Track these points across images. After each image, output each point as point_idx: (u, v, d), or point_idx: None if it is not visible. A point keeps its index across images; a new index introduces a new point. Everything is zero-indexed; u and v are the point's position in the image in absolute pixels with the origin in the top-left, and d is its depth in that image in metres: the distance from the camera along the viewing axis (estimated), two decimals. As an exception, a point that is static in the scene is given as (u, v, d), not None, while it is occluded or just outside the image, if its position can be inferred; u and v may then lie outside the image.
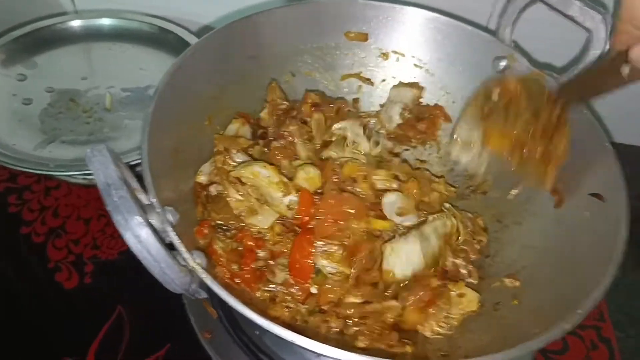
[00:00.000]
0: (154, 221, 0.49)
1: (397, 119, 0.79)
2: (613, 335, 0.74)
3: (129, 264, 0.73)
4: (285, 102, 0.76)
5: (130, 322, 0.70)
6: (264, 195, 0.64)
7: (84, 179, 0.80)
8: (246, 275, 0.59)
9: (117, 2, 0.98)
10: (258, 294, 0.60)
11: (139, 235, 0.42)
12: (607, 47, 0.65)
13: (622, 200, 0.58)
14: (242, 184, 0.64)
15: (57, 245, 0.77)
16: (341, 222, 0.62)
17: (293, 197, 0.64)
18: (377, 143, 0.77)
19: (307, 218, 0.63)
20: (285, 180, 0.65)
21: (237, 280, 0.58)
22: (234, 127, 0.72)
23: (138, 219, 0.42)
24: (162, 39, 0.93)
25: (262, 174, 0.64)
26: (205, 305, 0.69)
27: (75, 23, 0.95)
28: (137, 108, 0.85)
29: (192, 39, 0.90)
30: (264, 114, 0.76)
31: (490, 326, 0.58)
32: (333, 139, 0.73)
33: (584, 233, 0.61)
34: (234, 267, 0.59)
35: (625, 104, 0.91)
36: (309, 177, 0.66)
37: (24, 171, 0.73)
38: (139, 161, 0.69)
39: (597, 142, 0.63)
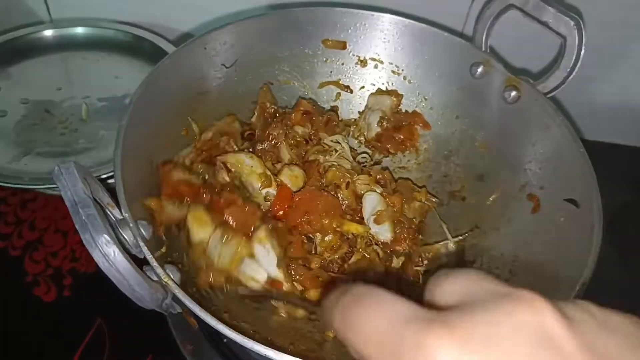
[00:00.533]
0: (127, 236, 0.49)
1: (375, 128, 0.79)
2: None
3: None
4: (274, 106, 0.76)
5: (111, 334, 0.69)
6: (244, 183, 0.65)
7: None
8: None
9: (93, 10, 0.97)
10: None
11: (107, 254, 0.42)
12: (582, 52, 0.65)
13: (596, 207, 0.58)
14: (228, 170, 0.66)
15: (35, 259, 0.76)
16: (311, 217, 0.63)
17: (271, 190, 0.65)
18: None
19: (281, 212, 0.64)
20: (269, 173, 0.66)
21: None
22: (225, 121, 0.73)
23: (106, 237, 0.42)
24: (137, 47, 0.92)
25: (246, 163, 0.66)
26: (186, 316, 0.68)
27: (49, 33, 0.94)
28: (113, 118, 0.84)
29: (169, 47, 0.89)
30: (254, 119, 0.76)
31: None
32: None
33: (560, 238, 0.61)
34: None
35: (594, 102, 0.93)
36: (293, 174, 0.67)
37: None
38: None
39: (573, 148, 0.64)
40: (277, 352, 0.45)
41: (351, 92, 0.81)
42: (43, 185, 0.72)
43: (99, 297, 0.73)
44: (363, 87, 0.81)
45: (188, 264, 0.59)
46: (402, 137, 0.78)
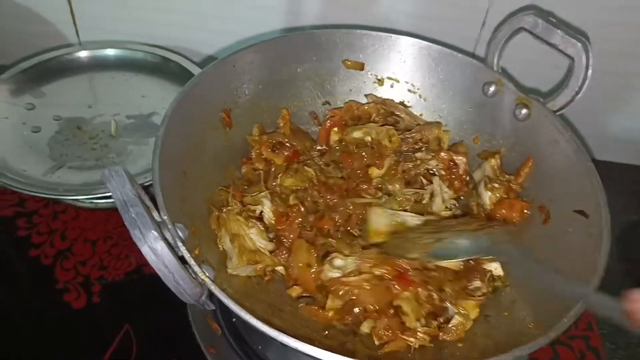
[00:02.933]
0: (167, 236, 0.52)
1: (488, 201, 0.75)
2: (601, 344, 0.77)
3: (136, 283, 0.78)
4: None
5: (138, 339, 0.72)
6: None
7: (91, 202, 0.83)
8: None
9: (121, 34, 1.02)
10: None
11: (155, 249, 0.45)
12: (589, 72, 0.69)
13: (604, 217, 0.61)
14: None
15: (65, 267, 0.79)
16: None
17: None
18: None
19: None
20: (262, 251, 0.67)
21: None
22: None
23: (154, 233, 0.45)
24: (164, 68, 0.97)
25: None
26: (209, 321, 0.71)
27: (81, 54, 0.99)
28: (141, 134, 0.88)
29: (194, 68, 0.94)
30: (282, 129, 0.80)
31: (485, 335, 0.61)
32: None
33: (569, 248, 0.64)
34: None
35: (604, 124, 0.96)
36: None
37: (34, 195, 0.76)
38: (146, 184, 0.72)
39: (582, 162, 0.67)
40: (308, 346, 0.48)
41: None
42: (76, 196, 0.76)
43: (126, 303, 0.77)
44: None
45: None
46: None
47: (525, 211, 0.72)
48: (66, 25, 1.03)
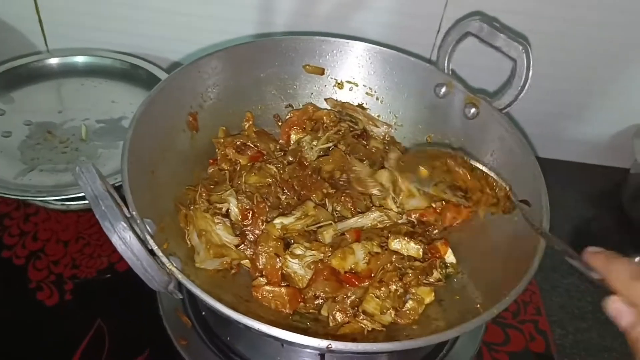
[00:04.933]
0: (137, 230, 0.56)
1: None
2: (548, 327, 0.83)
3: (107, 281, 0.81)
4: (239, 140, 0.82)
5: (110, 333, 0.75)
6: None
7: (62, 204, 0.85)
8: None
9: (89, 41, 1.05)
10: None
11: (125, 238, 0.49)
12: (530, 72, 0.75)
13: (544, 205, 0.66)
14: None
15: (37, 267, 0.81)
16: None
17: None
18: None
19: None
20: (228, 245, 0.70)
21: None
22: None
23: (123, 224, 0.49)
24: (133, 74, 1.00)
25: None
26: (179, 315, 0.75)
27: (50, 61, 1.02)
28: (111, 138, 0.91)
29: (162, 74, 0.97)
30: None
31: (437, 318, 0.66)
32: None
33: (515, 236, 0.69)
34: None
35: (546, 124, 1.02)
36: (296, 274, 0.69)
37: (6, 197, 0.78)
38: (117, 184, 0.75)
39: (525, 155, 0.72)
40: (272, 328, 0.51)
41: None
42: (48, 196, 0.79)
43: (98, 299, 0.79)
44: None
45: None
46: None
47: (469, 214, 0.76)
48: (34, 34, 1.05)
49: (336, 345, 0.50)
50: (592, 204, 1.09)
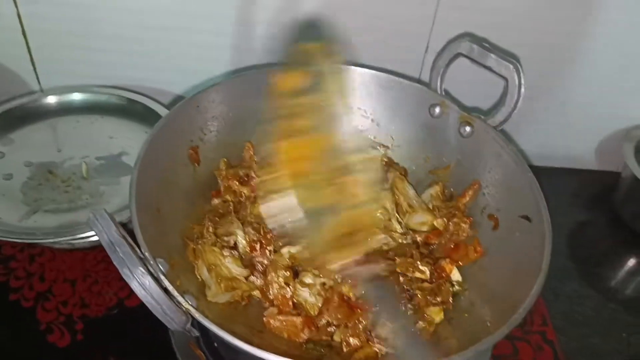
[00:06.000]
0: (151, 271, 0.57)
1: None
2: (555, 337, 0.84)
3: (118, 317, 0.81)
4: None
5: (124, 372, 0.75)
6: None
7: (68, 243, 0.86)
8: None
9: (83, 77, 1.05)
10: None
11: (144, 284, 0.50)
12: (522, 90, 0.77)
13: (545, 220, 0.68)
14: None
15: (46, 308, 0.82)
16: None
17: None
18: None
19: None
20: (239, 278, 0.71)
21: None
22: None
23: (141, 269, 0.50)
24: (129, 109, 1.01)
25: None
26: (192, 348, 0.75)
27: (46, 100, 1.02)
28: (111, 174, 0.92)
29: (160, 108, 0.98)
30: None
31: (448, 337, 0.67)
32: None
33: (517, 250, 0.71)
34: None
35: (535, 133, 1.04)
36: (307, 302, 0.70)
37: (13, 242, 0.79)
38: (124, 221, 0.76)
39: (522, 172, 0.74)
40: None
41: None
42: (55, 238, 0.79)
43: (110, 338, 0.80)
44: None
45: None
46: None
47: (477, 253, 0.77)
48: (27, 72, 1.05)
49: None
50: (585, 208, 1.11)
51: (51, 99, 1.03)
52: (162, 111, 0.97)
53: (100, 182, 0.91)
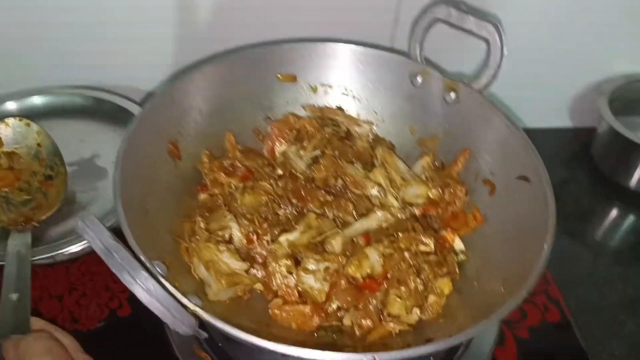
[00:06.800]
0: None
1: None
2: (560, 296, 0.84)
3: (112, 329, 0.77)
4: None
5: (124, 384, 0.72)
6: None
7: (49, 258, 0.81)
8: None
9: (43, 80, 0.99)
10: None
11: (149, 288, 0.46)
12: (505, 50, 0.75)
13: (545, 180, 0.67)
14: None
15: (35, 328, 0.77)
16: None
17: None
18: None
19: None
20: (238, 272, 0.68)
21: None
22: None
23: (144, 273, 0.46)
24: (98, 109, 0.96)
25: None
26: (197, 351, 0.72)
27: (5, 107, 0.96)
28: (87, 180, 0.87)
29: (131, 106, 0.93)
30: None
31: (461, 308, 0.66)
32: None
33: (519, 213, 0.69)
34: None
35: (511, 95, 1.04)
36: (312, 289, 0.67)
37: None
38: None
39: (514, 133, 0.73)
40: (300, 349, 0.50)
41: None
42: (37, 256, 0.74)
43: (107, 351, 0.75)
44: (319, 109, 0.89)
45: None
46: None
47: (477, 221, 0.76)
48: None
49: (381, 356, 0.49)
50: (565, 167, 1.11)
51: (10, 105, 0.97)
52: (134, 108, 0.92)
53: (76, 189, 0.86)
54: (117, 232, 0.55)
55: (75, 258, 0.82)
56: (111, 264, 0.46)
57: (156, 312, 0.48)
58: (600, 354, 0.79)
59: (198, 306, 0.53)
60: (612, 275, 0.90)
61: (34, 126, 0.83)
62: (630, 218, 1.02)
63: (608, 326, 0.83)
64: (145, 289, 0.46)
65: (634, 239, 0.97)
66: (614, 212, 1.03)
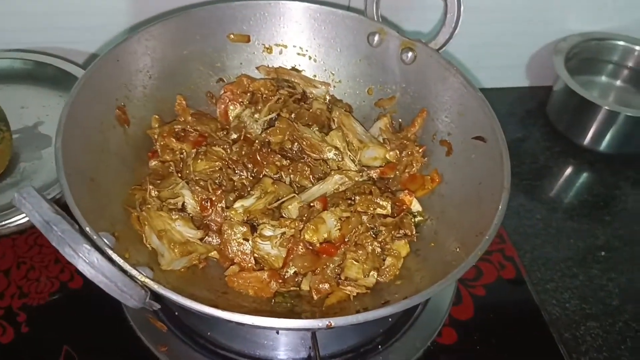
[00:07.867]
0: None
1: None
2: (515, 253, 0.85)
3: (63, 302, 0.74)
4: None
5: (81, 358, 0.70)
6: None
7: (-7, 230, 0.77)
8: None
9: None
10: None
11: (92, 262, 0.44)
12: (462, 9, 0.74)
13: (500, 139, 0.67)
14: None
15: (-19, 304, 0.74)
16: None
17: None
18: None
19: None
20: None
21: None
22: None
23: (86, 246, 0.44)
24: (39, 74, 0.91)
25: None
26: (153, 321, 0.70)
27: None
28: (31, 148, 0.83)
29: (74, 69, 0.89)
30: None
31: (418, 269, 0.66)
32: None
33: (475, 172, 0.70)
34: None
35: (468, 55, 1.03)
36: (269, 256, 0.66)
37: None
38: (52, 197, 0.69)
39: (471, 93, 0.72)
40: (258, 318, 0.49)
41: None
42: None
43: (59, 325, 0.73)
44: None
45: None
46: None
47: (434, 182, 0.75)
48: None
49: (336, 321, 0.49)
50: (521, 125, 1.12)
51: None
52: (78, 72, 0.88)
53: (20, 158, 0.81)
54: (63, 204, 0.52)
55: (23, 230, 0.79)
56: (51, 238, 0.44)
57: (101, 286, 0.46)
58: (554, 307, 0.81)
59: (148, 277, 0.51)
60: (564, 231, 0.92)
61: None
62: (584, 175, 1.03)
63: (560, 280, 0.85)
64: (89, 262, 0.44)
65: (587, 195, 0.99)
66: (568, 170, 1.05)
